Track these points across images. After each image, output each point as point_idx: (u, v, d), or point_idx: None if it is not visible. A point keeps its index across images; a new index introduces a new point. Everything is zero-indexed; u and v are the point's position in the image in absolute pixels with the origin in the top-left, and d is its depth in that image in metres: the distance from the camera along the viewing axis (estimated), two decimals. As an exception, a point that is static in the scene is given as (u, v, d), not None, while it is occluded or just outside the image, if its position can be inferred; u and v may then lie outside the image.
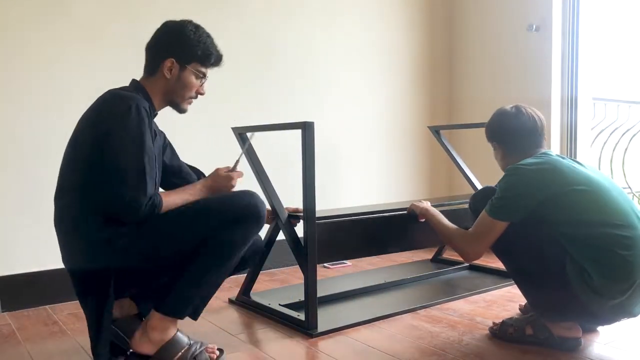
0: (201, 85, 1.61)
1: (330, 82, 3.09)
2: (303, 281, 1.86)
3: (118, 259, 1.43)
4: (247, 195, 1.53)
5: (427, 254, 3.14)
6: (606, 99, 3.77)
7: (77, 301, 2.27)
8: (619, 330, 1.81)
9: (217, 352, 1.59)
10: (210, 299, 1.57)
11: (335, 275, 2.70)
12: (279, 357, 1.65)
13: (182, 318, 1.52)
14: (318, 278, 1.87)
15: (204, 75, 1.60)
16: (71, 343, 1.81)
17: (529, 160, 1.69)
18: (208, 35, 1.60)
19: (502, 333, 1.76)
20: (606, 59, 3.57)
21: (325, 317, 1.96)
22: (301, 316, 1.89)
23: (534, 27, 3.04)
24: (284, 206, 2.02)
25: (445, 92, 3.62)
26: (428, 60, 3.53)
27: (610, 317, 1.61)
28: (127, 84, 1.63)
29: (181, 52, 1.55)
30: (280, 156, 2.81)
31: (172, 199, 1.49)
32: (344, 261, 3.03)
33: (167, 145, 1.77)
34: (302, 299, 1.91)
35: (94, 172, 1.42)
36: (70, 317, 2.10)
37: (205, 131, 2.62)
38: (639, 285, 1.53)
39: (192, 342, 1.53)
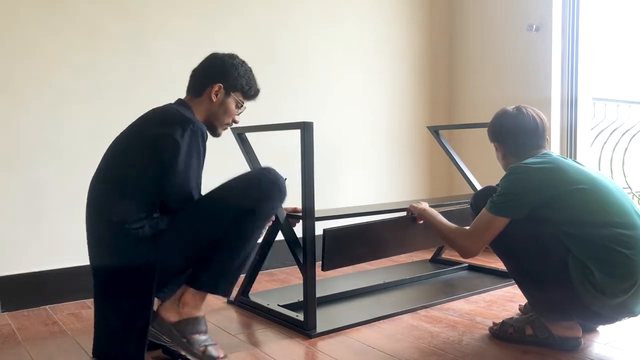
0: (238, 114, 1.76)
1: (330, 82, 3.09)
2: (302, 281, 1.86)
3: (162, 252, 1.51)
4: (268, 172, 1.63)
5: (426, 254, 3.14)
6: (606, 99, 3.77)
7: (77, 301, 2.31)
8: (619, 330, 1.81)
9: (223, 353, 1.61)
10: (239, 275, 1.64)
11: (334, 276, 2.70)
12: (278, 357, 1.65)
13: (215, 293, 1.59)
14: (317, 278, 1.87)
15: (242, 106, 1.74)
16: (71, 343, 1.81)
17: (532, 159, 1.69)
18: (251, 71, 1.75)
19: (502, 333, 1.76)
20: (606, 59, 3.57)
21: (325, 318, 1.96)
22: (300, 316, 1.89)
23: (534, 27, 3.04)
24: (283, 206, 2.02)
25: (445, 92, 3.62)
26: (428, 60, 3.53)
27: (613, 316, 1.61)
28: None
29: (228, 80, 1.69)
30: (280, 156, 2.81)
31: None
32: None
33: None
34: (301, 299, 1.91)
35: (147, 168, 1.52)
36: (70, 317, 2.10)
37: (205, 131, 2.62)
38: None
39: (207, 333, 1.60)
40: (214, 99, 1.67)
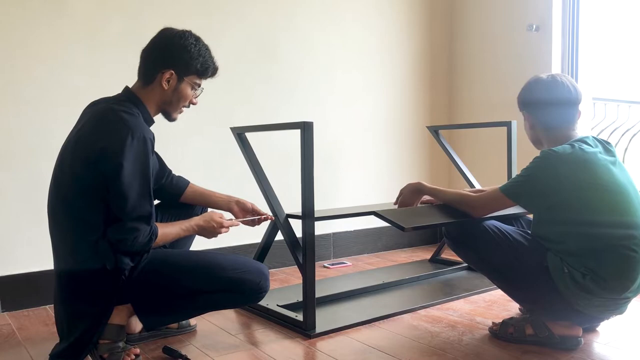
0: (196, 97, 1.66)
1: (331, 82, 3.09)
2: (302, 281, 1.86)
3: (126, 290, 1.52)
4: (261, 274, 1.64)
5: (426, 254, 3.14)
6: (606, 99, 3.77)
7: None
8: (619, 330, 1.81)
9: (133, 357, 1.58)
10: (173, 322, 1.77)
11: (334, 276, 2.70)
12: (277, 357, 1.65)
13: (143, 324, 1.65)
14: (317, 278, 1.87)
15: (199, 86, 1.65)
16: (70, 343, 1.81)
17: (566, 150, 1.60)
18: (207, 48, 1.62)
19: (502, 333, 1.76)
20: (606, 59, 3.57)
21: (325, 318, 1.96)
22: (299, 317, 1.89)
23: (534, 27, 3.04)
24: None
25: (445, 92, 3.62)
26: (428, 60, 3.53)
27: (599, 315, 1.64)
28: (129, 84, 1.62)
29: (181, 64, 1.57)
30: (280, 156, 2.81)
31: (167, 231, 1.58)
32: (344, 261, 3.03)
33: (156, 160, 1.81)
34: (301, 299, 1.91)
35: (98, 201, 1.46)
36: (69, 317, 2.10)
37: (205, 131, 2.62)
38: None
39: (121, 341, 1.56)
40: (166, 86, 1.56)
